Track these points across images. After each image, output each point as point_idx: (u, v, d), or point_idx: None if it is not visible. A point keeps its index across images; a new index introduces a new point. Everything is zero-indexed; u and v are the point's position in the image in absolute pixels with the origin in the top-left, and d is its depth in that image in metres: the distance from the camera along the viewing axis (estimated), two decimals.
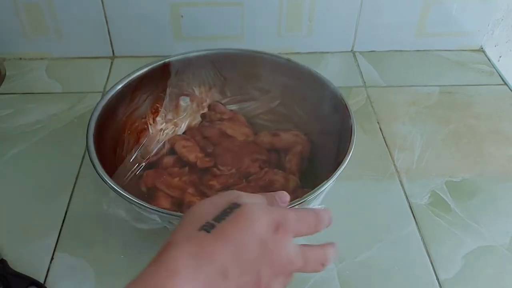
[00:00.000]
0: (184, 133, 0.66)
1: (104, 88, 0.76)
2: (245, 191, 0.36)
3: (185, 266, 0.29)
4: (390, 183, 0.62)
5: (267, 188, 0.57)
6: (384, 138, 0.69)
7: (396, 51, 0.87)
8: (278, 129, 0.64)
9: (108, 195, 0.51)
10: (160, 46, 0.79)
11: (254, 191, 0.52)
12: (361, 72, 0.82)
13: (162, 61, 0.62)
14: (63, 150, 0.66)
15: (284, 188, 0.56)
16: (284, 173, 0.59)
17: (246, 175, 0.59)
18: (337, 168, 0.50)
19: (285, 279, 0.33)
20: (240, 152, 0.61)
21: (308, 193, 0.47)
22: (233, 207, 0.32)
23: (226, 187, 0.57)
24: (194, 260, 0.29)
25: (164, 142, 0.63)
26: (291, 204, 0.44)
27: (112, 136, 0.58)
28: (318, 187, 0.47)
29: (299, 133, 0.63)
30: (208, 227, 0.31)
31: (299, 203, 0.46)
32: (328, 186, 0.48)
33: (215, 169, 0.59)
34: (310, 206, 0.49)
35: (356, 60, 0.85)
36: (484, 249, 0.55)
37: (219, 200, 0.34)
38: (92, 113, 0.55)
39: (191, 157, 0.60)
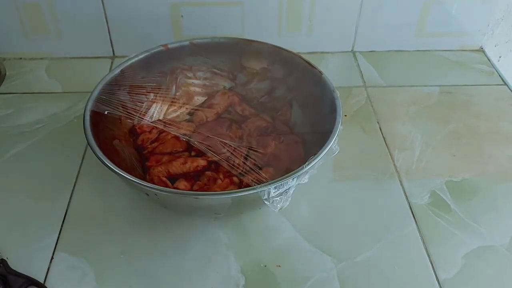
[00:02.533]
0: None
1: None
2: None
3: None
4: (390, 183, 0.62)
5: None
6: (384, 138, 0.69)
7: (396, 51, 0.87)
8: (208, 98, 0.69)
9: None
10: None
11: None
12: (361, 72, 0.82)
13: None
14: (63, 150, 0.66)
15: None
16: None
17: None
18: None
19: None
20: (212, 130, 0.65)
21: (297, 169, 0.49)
22: None
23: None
24: None
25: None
26: (279, 181, 0.47)
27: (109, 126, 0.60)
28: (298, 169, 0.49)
29: (225, 90, 0.68)
30: None
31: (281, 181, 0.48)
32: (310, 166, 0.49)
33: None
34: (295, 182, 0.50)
35: (356, 60, 0.85)
36: (484, 249, 0.55)
37: None
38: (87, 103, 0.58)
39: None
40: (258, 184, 0.48)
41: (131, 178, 0.48)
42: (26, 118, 0.71)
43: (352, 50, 0.87)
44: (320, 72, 0.61)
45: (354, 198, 0.61)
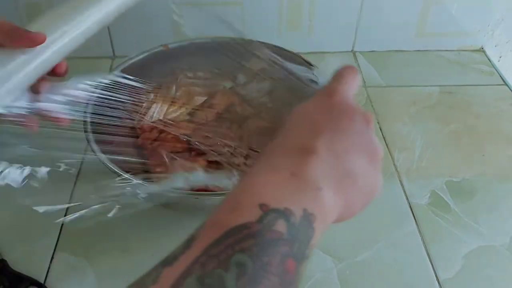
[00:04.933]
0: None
1: None
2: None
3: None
4: (390, 183, 0.62)
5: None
6: (384, 138, 0.69)
7: (396, 51, 0.87)
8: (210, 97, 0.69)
9: None
10: None
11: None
12: (361, 72, 0.82)
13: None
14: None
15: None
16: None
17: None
18: None
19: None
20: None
21: None
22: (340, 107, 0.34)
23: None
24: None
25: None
26: None
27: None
28: None
29: (225, 90, 0.68)
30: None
31: None
32: None
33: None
34: None
35: (357, 60, 0.85)
36: (484, 249, 0.55)
37: (322, 104, 0.34)
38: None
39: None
40: None
41: (131, 178, 0.48)
42: None
43: (352, 50, 0.87)
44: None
45: None
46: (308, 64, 0.63)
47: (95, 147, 0.52)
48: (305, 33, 0.83)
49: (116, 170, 0.49)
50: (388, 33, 0.85)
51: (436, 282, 0.52)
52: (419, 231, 0.57)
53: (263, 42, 0.66)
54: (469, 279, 0.52)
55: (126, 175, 0.48)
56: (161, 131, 0.64)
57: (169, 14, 0.79)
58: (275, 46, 0.66)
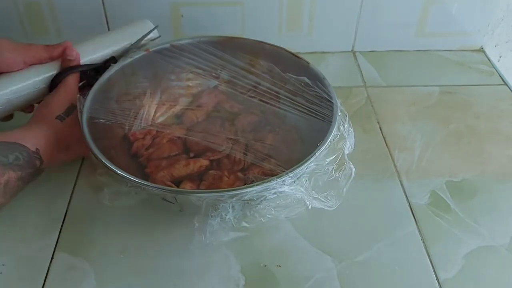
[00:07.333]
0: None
1: None
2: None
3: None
4: (390, 183, 0.62)
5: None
6: (384, 138, 0.69)
7: (396, 51, 0.87)
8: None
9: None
10: None
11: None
12: (361, 72, 0.82)
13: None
14: None
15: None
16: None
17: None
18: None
19: None
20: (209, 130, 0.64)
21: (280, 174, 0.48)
22: (72, 107, 0.57)
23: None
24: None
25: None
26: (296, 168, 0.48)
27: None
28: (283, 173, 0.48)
29: (210, 89, 0.69)
30: (61, 118, 0.56)
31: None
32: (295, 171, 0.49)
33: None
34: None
35: (356, 60, 0.85)
36: (484, 249, 0.55)
37: (63, 100, 0.58)
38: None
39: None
40: (265, 177, 0.48)
41: (153, 185, 0.48)
42: (26, 119, 0.71)
43: (352, 50, 0.87)
44: (307, 62, 0.61)
45: (354, 197, 0.60)
46: (294, 56, 0.62)
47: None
48: (305, 33, 0.83)
49: (136, 180, 0.49)
50: (388, 33, 0.85)
51: (436, 282, 0.52)
52: (419, 231, 0.57)
53: (245, 38, 0.66)
54: (469, 279, 0.52)
55: (148, 184, 0.48)
56: (155, 136, 0.63)
57: (169, 14, 0.79)
58: (257, 41, 0.66)
